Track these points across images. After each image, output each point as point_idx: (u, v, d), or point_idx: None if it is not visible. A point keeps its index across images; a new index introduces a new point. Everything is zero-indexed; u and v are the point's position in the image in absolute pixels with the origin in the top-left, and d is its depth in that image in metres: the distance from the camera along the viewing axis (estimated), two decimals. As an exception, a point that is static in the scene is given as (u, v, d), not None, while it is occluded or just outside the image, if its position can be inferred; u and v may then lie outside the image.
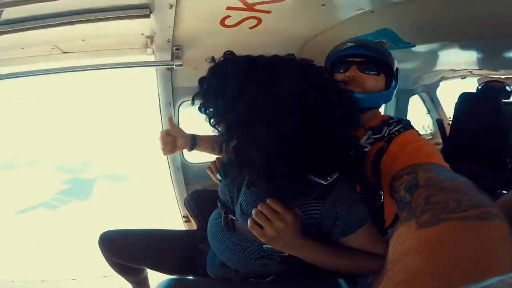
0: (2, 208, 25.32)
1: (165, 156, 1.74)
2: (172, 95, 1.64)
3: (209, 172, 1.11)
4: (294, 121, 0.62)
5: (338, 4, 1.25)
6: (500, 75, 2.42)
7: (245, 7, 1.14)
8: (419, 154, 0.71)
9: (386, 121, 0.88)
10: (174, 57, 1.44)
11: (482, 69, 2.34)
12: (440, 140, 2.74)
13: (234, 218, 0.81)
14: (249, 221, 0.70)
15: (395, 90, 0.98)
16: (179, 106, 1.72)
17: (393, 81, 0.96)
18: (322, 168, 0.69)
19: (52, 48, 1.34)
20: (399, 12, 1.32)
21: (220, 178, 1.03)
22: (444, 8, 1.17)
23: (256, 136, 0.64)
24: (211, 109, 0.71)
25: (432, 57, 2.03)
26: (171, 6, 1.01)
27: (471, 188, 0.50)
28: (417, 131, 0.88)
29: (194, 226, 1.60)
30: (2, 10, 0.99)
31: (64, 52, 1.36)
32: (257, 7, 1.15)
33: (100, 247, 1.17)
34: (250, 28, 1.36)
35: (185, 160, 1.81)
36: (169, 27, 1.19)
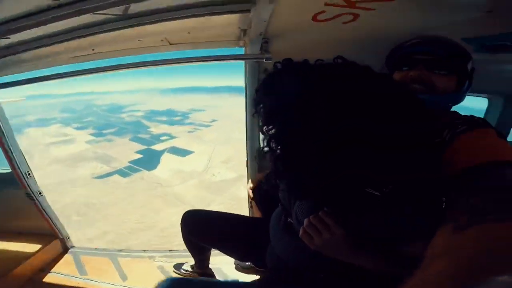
0: (84, 173, 30.56)
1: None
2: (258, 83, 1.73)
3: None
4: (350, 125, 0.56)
5: (465, 3, 1.09)
6: None
7: (346, 4, 1.09)
8: (477, 154, 0.59)
9: (452, 122, 0.73)
10: (263, 49, 1.50)
11: None
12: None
13: (292, 222, 0.86)
14: (301, 229, 0.75)
15: (467, 92, 0.88)
16: None
17: (466, 82, 0.86)
18: (377, 179, 0.63)
19: (162, 40, 1.56)
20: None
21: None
22: None
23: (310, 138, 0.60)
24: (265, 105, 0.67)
25: None
26: (271, 1, 1.05)
27: None
28: (491, 128, 0.69)
29: (256, 213, 1.70)
30: (129, 6, 1.20)
31: (170, 44, 1.56)
32: (358, 4, 1.10)
33: (182, 224, 1.34)
34: (344, 23, 1.31)
35: (261, 148, 1.89)
36: (264, 21, 1.24)
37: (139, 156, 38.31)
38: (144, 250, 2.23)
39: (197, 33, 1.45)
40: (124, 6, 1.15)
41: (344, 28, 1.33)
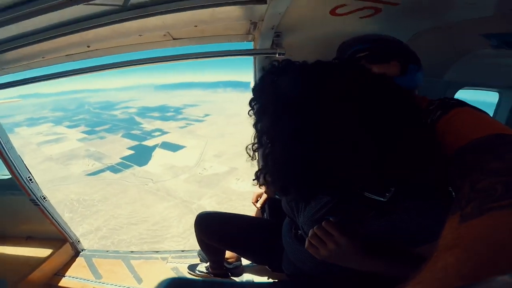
0: (76, 170, 30.61)
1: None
2: None
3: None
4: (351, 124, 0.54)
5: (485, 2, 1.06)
6: None
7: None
8: (467, 131, 0.58)
9: (426, 109, 0.73)
10: (274, 44, 1.41)
11: None
12: None
13: (301, 233, 0.87)
14: (306, 241, 0.75)
15: (418, 72, 0.92)
16: None
17: (410, 65, 0.91)
18: (378, 183, 0.62)
19: (164, 35, 1.45)
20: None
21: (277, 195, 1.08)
22: None
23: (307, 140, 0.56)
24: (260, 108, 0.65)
25: None
26: None
27: None
28: (466, 106, 0.68)
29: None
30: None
31: (174, 39, 1.45)
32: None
33: (196, 226, 1.31)
34: (362, 17, 1.24)
35: None
36: (279, 13, 1.16)
37: (131, 152, 38.61)
38: (156, 251, 2.18)
39: (204, 26, 1.34)
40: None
41: (361, 22, 1.26)
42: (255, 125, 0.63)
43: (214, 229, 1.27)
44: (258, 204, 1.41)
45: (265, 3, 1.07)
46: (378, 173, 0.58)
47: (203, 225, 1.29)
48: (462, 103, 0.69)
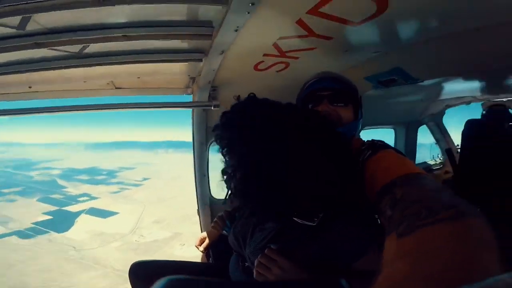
0: None
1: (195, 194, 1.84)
2: (206, 135, 1.76)
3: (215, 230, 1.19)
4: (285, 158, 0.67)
5: (359, 48, 1.44)
6: (502, 98, 2.50)
7: (279, 54, 1.33)
8: (391, 171, 0.71)
9: (359, 148, 0.86)
10: (211, 97, 1.60)
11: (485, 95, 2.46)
12: (450, 169, 2.77)
13: (248, 264, 0.90)
14: (254, 270, 0.79)
15: (361, 119, 1.02)
16: (209, 145, 1.83)
17: (360, 111, 1.00)
18: (308, 208, 0.75)
19: (108, 83, 1.51)
20: (409, 52, 1.51)
21: (226, 231, 1.13)
22: (449, 47, 1.36)
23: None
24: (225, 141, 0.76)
25: (437, 88, 2.21)
26: (222, 52, 1.18)
27: (440, 191, 0.53)
28: (389, 148, 0.85)
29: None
30: (88, 45, 1.12)
31: (116, 88, 1.53)
32: (288, 54, 1.34)
33: (130, 276, 1.21)
34: (278, 71, 1.55)
35: (213, 196, 1.89)
36: (213, 70, 1.38)
37: (47, 217, 34.24)
38: None
39: (146, 78, 1.48)
40: (77, 45, 1.10)
41: (278, 76, 1.58)
42: (226, 156, 0.74)
43: (152, 277, 1.17)
44: (201, 248, 1.37)
45: (201, 61, 1.28)
46: (312, 200, 0.70)
47: (139, 274, 1.20)
48: (387, 146, 0.85)
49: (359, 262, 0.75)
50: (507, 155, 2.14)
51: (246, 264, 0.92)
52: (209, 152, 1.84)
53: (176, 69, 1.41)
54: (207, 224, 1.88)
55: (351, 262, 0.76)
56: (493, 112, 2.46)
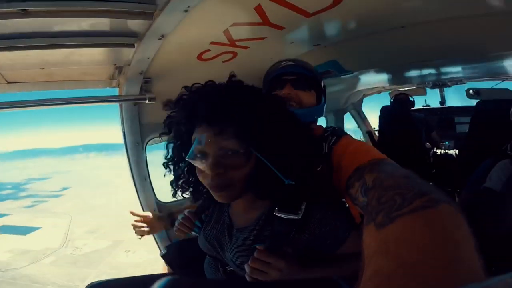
0: None
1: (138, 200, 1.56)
2: (140, 133, 1.51)
3: (180, 233, 1.03)
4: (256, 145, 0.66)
5: (304, 40, 1.48)
6: (403, 87, 3.15)
7: (228, 42, 1.20)
8: (358, 156, 0.74)
9: (322, 135, 0.90)
10: (143, 90, 1.36)
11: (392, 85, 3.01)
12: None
13: (232, 268, 0.82)
14: (247, 278, 0.72)
15: (325, 104, 1.06)
16: (146, 144, 1.59)
17: (322, 97, 1.04)
18: (288, 203, 0.72)
19: None
20: (345, 47, 1.63)
21: (195, 232, 0.98)
22: (376, 42, 1.53)
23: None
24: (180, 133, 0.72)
25: (356, 79, 2.54)
26: (162, 37, 0.98)
27: (410, 179, 0.53)
28: (349, 135, 0.90)
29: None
30: None
31: (9, 82, 1.12)
32: (238, 43, 1.24)
33: None
34: (224, 61, 1.42)
35: (159, 201, 1.66)
36: (148, 58, 1.15)
37: None
38: None
39: (53, 70, 1.13)
40: None
41: (224, 66, 1.45)
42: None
43: None
44: (138, 224, 1.20)
45: (133, 47, 1.03)
46: (294, 191, 0.68)
47: None
48: (344, 132, 0.90)
49: (340, 249, 0.75)
50: (411, 132, 2.73)
51: (228, 268, 0.82)
52: (146, 152, 1.60)
53: (97, 58, 1.11)
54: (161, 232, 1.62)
55: (334, 250, 0.75)
56: (399, 100, 3.13)
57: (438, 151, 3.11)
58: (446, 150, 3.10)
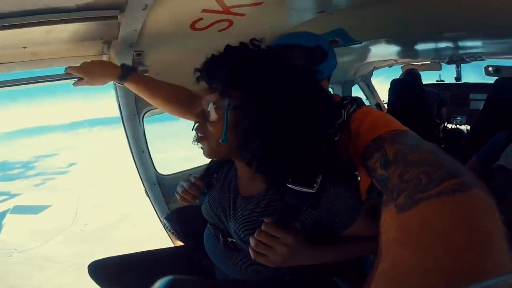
0: None
1: (138, 174, 1.58)
2: (136, 105, 1.49)
3: (184, 202, 0.95)
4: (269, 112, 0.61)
5: (305, 7, 1.34)
6: (417, 62, 3.01)
7: (222, 9, 1.11)
8: (379, 125, 0.69)
9: (341, 103, 0.84)
10: (136, 63, 1.30)
11: (404, 59, 2.84)
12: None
13: (234, 240, 0.77)
14: (250, 252, 0.66)
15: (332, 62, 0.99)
16: (143, 117, 1.58)
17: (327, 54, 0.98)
18: (303, 174, 0.65)
19: None
20: (352, 14, 1.49)
21: (201, 200, 0.92)
22: (389, 10, 1.39)
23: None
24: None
25: (366, 51, 2.41)
26: (145, 7, 0.90)
27: (437, 154, 0.47)
28: (369, 106, 0.88)
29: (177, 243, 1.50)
30: None
31: None
32: (232, 10, 1.14)
33: (92, 277, 1.01)
34: (220, 30, 1.33)
35: (159, 173, 1.67)
36: (135, 30, 1.07)
37: None
38: None
39: (36, 49, 1.07)
40: None
41: (220, 36, 1.35)
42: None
43: (118, 274, 0.99)
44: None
45: (116, 19, 0.95)
46: (309, 163, 0.63)
47: (102, 273, 1.01)
48: (364, 103, 0.83)
49: (347, 229, 0.70)
50: (422, 106, 2.64)
51: (230, 239, 0.77)
52: (144, 124, 1.59)
53: (79, 33, 1.03)
54: (161, 204, 1.67)
55: (342, 230, 0.71)
56: (411, 74, 3.00)
57: (449, 125, 2.99)
58: (458, 125, 2.97)
